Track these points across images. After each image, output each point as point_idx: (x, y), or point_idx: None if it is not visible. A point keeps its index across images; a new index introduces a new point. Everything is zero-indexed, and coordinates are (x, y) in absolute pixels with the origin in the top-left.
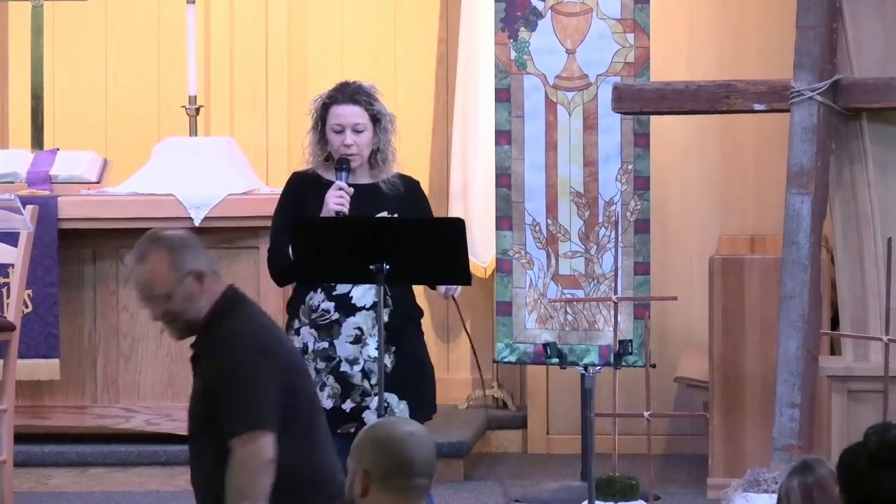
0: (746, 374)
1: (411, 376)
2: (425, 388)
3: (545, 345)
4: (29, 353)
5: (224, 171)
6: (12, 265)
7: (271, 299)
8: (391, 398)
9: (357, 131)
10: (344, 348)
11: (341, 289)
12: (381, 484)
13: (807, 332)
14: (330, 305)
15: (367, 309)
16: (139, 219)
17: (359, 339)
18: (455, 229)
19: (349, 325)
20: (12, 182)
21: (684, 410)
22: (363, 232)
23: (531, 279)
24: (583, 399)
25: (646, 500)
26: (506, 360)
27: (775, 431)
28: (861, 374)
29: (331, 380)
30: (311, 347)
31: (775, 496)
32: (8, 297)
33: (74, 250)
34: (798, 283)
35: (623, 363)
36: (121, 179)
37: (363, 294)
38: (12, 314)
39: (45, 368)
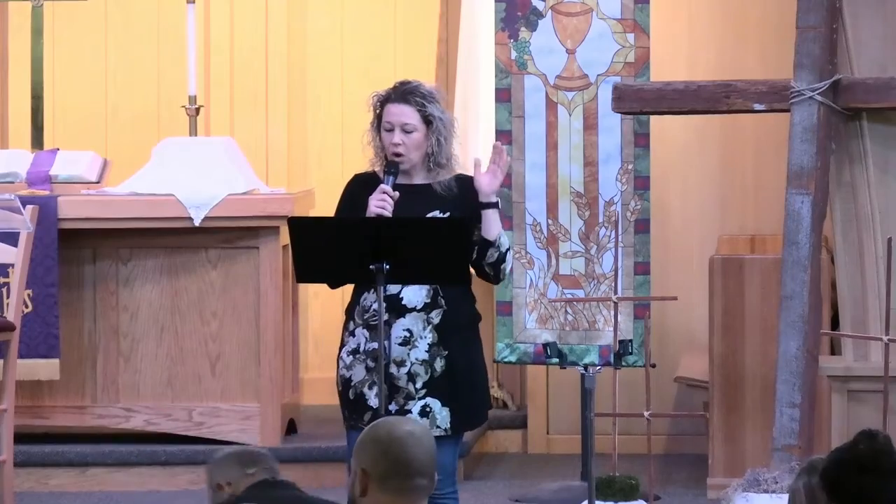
0: (746, 374)
1: (459, 383)
2: (472, 398)
3: (545, 345)
4: (29, 353)
5: (224, 171)
6: (12, 265)
7: (271, 300)
8: (434, 403)
9: (406, 131)
10: (393, 350)
11: (391, 290)
12: (380, 484)
13: (807, 333)
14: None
15: (418, 311)
16: (139, 219)
17: (407, 342)
18: (455, 229)
19: (398, 327)
20: (12, 182)
21: (684, 410)
22: (363, 232)
23: (531, 279)
24: (583, 399)
25: (646, 500)
26: (506, 360)
27: (775, 431)
28: (861, 374)
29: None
30: (363, 347)
31: (775, 496)
32: (8, 297)
33: (74, 250)
34: (798, 283)
35: (623, 363)
36: (121, 179)
37: (413, 295)
38: (12, 314)
39: (45, 368)
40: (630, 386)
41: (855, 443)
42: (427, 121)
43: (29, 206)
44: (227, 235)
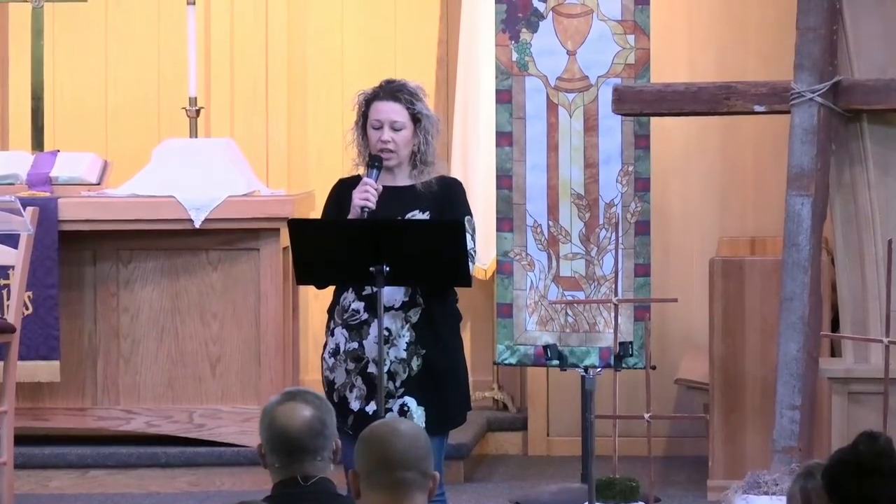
0: (747, 375)
1: (435, 383)
2: (448, 398)
3: (545, 346)
4: (29, 355)
5: (224, 172)
6: (12, 267)
7: (271, 302)
8: (410, 402)
9: (395, 129)
10: (372, 349)
11: (370, 288)
12: (367, 482)
13: (807, 334)
14: (360, 305)
15: (396, 309)
16: (139, 220)
17: (386, 340)
18: (454, 231)
19: (377, 326)
20: (13, 184)
21: (684, 412)
22: (363, 233)
23: (532, 281)
24: (583, 401)
25: (646, 502)
26: (506, 361)
27: (775, 433)
28: (861, 376)
29: (359, 381)
30: (342, 348)
31: (775, 498)
32: (8, 299)
33: (75, 252)
34: (798, 284)
35: (623, 365)
36: (121, 181)
37: (392, 294)
38: (12, 316)
39: (46, 370)
40: (630, 388)
41: (856, 444)
42: (415, 119)
43: (29, 208)
44: (227, 237)
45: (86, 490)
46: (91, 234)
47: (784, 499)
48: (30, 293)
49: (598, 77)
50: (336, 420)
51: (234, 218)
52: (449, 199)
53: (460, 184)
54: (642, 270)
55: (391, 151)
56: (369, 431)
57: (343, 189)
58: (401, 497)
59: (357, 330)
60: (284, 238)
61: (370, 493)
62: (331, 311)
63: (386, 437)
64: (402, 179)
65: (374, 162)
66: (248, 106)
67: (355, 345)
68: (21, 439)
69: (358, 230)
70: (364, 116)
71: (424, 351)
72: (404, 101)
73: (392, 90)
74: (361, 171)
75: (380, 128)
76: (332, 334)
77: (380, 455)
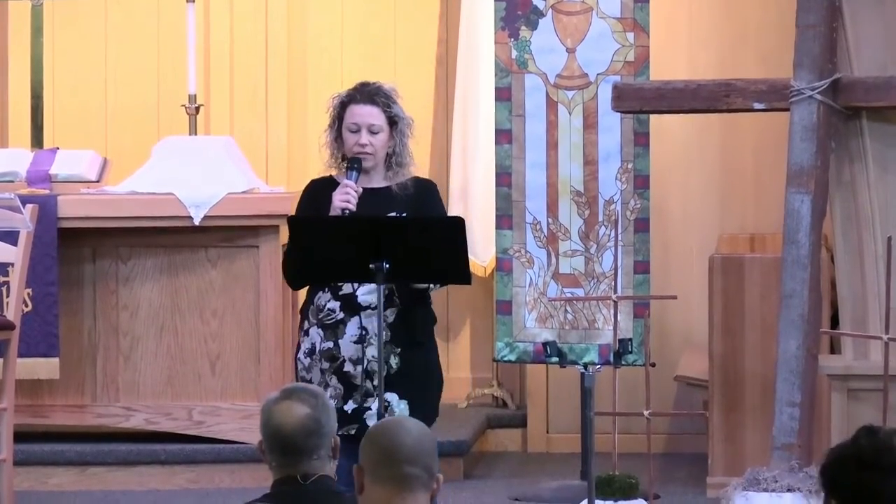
0: (746, 372)
1: (414, 379)
2: (426, 394)
3: (545, 344)
4: (29, 352)
5: (224, 170)
6: (12, 264)
7: (271, 299)
8: (391, 397)
9: (372, 132)
10: (347, 348)
11: (347, 288)
12: (372, 476)
13: (807, 331)
14: (336, 305)
15: (373, 309)
16: (139, 217)
17: (362, 339)
18: (455, 228)
19: (353, 325)
20: (12, 181)
21: (684, 409)
22: (363, 231)
23: (531, 278)
24: (582, 398)
25: (646, 499)
26: (506, 358)
27: (775, 430)
28: (861, 373)
29: (334, 380)
30: (318, 347)
31: (775, 495)
32: (8, 296)
33: (74, 249)
34: (798, 282)
35: (623, 362)
36: (121, 178)
37: (370, 294)
38: (12, 313)
39: (45, 367)
40: (630, 385)
41: (856, 438)
42: (392, 121)
43: (29, 205)
44: (226, 234)
45: (85, 487)
46: (90, 231)
47: (784, 496)
48: (29, 290)
49: (598, 74)
50: None
51: (234, 215)
52: (425, 200)
53: (434, 185)
54: (642, 267)
55: (368, 154)
56: (376, 427)
57: (317, 189)
58: (405, 493)
59: (332, 329)
60: (284, 235)
61: (374, 487)
62: (304, 311)
63: (394, 431)
64: (378, 181)
65: (354, 164)
66: (247, 104)
67: (330, 344)
68: (21, 436)
69: (358, 227)
70: (339, 119)
71: (400, 349)
72: (381, 104)
73: (369, 93)
74: (334, 172)
75: (357, 131)
76: (307, 334)
77: (387, 448)
